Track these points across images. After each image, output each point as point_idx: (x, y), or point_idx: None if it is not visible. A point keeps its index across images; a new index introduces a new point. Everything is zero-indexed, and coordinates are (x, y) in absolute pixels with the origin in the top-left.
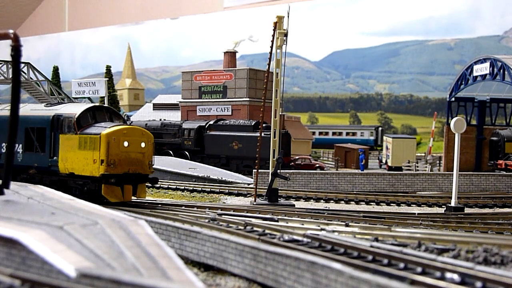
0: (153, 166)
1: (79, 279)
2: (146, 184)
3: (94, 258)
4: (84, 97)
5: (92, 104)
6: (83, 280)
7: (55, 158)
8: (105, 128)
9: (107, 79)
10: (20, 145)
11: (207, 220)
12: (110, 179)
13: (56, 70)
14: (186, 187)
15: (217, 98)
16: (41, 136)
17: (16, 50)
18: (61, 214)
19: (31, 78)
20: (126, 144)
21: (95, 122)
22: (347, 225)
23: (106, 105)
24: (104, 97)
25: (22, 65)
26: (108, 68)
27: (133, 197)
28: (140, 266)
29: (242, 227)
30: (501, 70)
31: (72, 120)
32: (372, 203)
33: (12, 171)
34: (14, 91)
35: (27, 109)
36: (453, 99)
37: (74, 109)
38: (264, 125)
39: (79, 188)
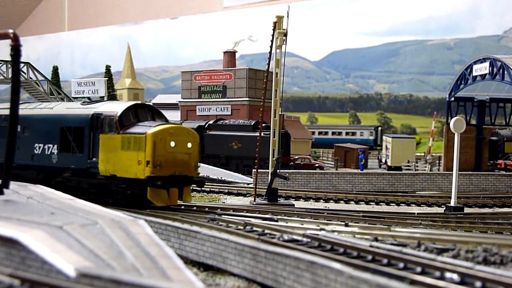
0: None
1: (78, 279)
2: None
3: (94, 258)
4: (84, 97)
5: (134, 102)
6: (82, 280)
7: (94, 159)
8: (150, 127)
9: (106, 78)
10: (55, 145)
11: (206, 220)
12: (156, 181)
13: (55, 70)
14: None
15: (217, 98)
16: (79, 136)
17: (16, 50)
18: (61, 214)
19: (31, 78)
20: (172, 144)
21: (137, 121)
22: (346, 225)
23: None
24: (103, 97)
25: (22, 64)
26: (108, 68)
27: (178, 201)
28: (140, 266)
29: (241, 227)
30: (501, 70)
31: (113, 119)
32: (371, 203)
33: (47, 173)
34: (14, 91)
35: (62, 107)
36: (452, 99)
37: (114, 107)
38: (263, 125)
39: (122, 192)
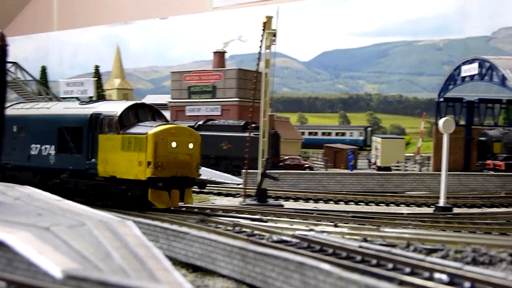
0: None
1: (65, 281)
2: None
3: (81, 260)
4: (72, 97)
5: (134, 102)
6: (69, 281)
7: (93, 160)
8: (152, 127)
9: (95, 79)
10: (53, 146)
11: (195, 221)
12: (157, 183)
13: (44, 70)
14: None
15: (207, 98)
16: (77, 136)
17: (2, 50)
18: (48, 215)
19: (18, 78)
20: (174, 144)
21: (138, 121)
22: (336, 226)
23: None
24: (92, 97)
25: (9, 64)
26: (97, 68)
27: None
28: (128, 267)
29: (230, 228)
30: (489, 71)
31: (113, 119)
32: (361, 203)
33: (44, 175)
34: (0, 91)
35: (60, 107)
36: (441, 99)
37: (114, 107)
38: (253, 125)
39: (121, 194)
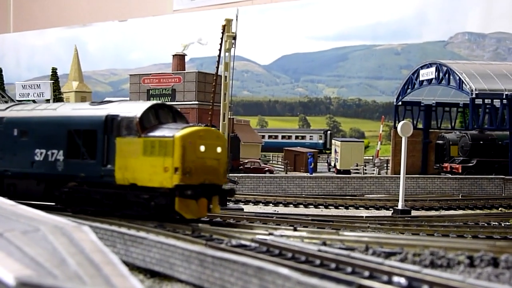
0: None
1: None
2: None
3: (35, 266)
4: (29, 100)
5: (154, 102)
6: None
7: (109, 166)
8: (178, 130)
9: (52, 81)
10: (61, 151)
11: (153, 225)
12: (185, 191)
13: None
14: None
15: (166, 101)
16: (90, 140)
17: None
18: (2, 221)
19: None
20: (202, 148)
21: (159, 123)
22: (295, 229)
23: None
24: (49, 100)
25: None
26: (54, 70)
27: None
28: (83, 274)
29: (189, 232)
30: (447, 75)
31: (133, 121)
32: (320, 207)
33: (50, 183)
34: None
35: (68, 108)
36: (400, 103)
37: (132, 108)
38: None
39: (143, 203)
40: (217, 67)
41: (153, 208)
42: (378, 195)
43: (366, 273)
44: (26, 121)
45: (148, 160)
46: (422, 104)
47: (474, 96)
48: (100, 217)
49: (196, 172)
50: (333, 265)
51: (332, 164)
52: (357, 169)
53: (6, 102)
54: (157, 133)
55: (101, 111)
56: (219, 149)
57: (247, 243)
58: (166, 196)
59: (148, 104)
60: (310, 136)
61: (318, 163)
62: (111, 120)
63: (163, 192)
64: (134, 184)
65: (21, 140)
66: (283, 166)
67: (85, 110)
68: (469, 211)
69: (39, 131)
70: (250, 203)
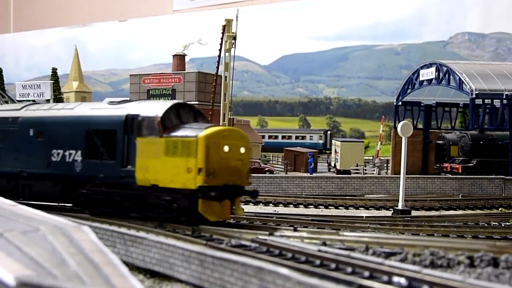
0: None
1: None
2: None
3: (35, 266)
4: (29, 100)
5: (175, 101)
6: None
7: (129, 167)
8: (201, 129)
9: (52, 81)
10: (79, 151)
11: (153, 225)
12: (209, 192)
13: None
14: None
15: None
16: (110, 140)
17: None
18: (1, 221)
19: None
20: (226, 149)
21: (180, 123)
22: (295, 230)
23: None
24: (49, 100)
25: None
26: (54, 70)
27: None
28: (83, 274)
29: (189, 232)
30: (447, 75)
31: (155, 120)
32: (320, 207)
33: (67, 184)
34: None
35: (86, 108)
36: (400, 103)
37: (153, 107)
38: None
39: (165, 205)
40: (217, 67)
41: (175, 210)
42: (378, 195)
43: (366, 273)
44: (43, 121)
45: (170, 161)
46: (422, 104)
47: (474, 96)
48: (119, 219)
49: (220, 173)
50: (333, 265)
51: (332, 164)
52: (357, 169)
53: (6, 102)
54: (180, 133)
55: (120, 110)
56: (242, 150)
57: (247, 243)
58: (189, 197)
59: (169, 103)
60: (310, 136)
61: (318, 163)
62: (131, 120)
63: (185, 193)
64: (155, 185)
65: (37, 141)
66: (283, 166)
67: (104, 109)
68: (469, 211)
69: (56, 131)
70: (250, 203)
